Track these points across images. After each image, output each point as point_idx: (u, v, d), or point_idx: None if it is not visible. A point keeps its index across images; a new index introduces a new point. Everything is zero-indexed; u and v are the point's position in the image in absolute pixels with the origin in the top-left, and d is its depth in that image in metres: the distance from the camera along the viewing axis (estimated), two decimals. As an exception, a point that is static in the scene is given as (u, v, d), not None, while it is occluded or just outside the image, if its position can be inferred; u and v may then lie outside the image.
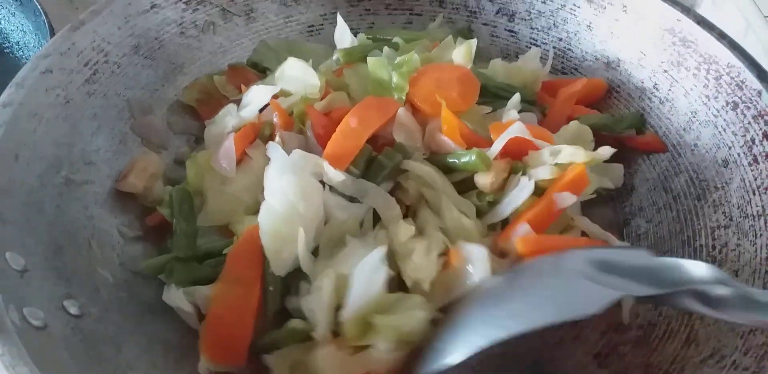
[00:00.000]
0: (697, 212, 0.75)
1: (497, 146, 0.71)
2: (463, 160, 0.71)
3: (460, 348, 0.55)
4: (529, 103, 0.83)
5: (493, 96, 0.81)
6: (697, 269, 0.52)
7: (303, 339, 0.63)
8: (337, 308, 0.62)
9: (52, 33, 0.94)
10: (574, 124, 0.79)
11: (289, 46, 0.93)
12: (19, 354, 0.50)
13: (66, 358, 0.55)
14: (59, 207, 0.69)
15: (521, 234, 0.66)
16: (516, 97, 0.78)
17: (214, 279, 0.67)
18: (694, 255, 0.72)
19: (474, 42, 0.83)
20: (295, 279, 0.66)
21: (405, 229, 0.65)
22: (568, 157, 0.69)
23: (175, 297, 0.67)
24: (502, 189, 0.71)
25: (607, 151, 0.72)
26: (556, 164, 0.70)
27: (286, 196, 0.64)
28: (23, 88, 0.70)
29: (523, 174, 0.71)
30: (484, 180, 0.70)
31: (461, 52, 0.81)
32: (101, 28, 0.80)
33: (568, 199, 0.68)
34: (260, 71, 0.93)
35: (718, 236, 0.71)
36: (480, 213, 0.71)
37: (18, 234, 0.62)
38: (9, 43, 1.06)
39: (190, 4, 0.88)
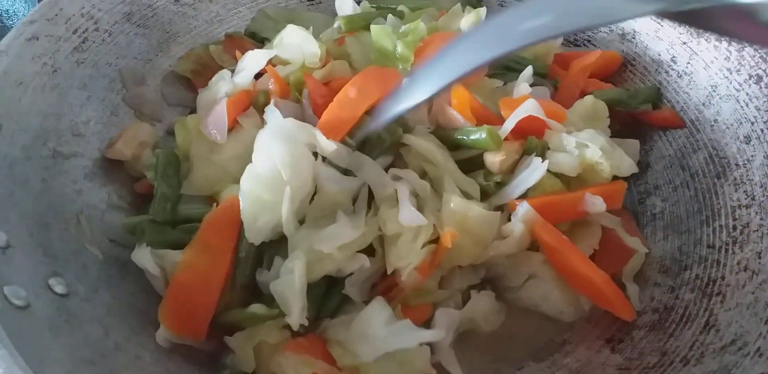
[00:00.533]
0: (717, 191, 0.71)
1: (509, 124, 0.67)
2: (473, 137, 0.67)
3: (430, 83, 0.46)
4: (540, 76, 0.78)
5: (503, 68, 0.77)
6: None
7: (266, 319, 0.61)
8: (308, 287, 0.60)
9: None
10: (588, 98, 0.75)
11: (289, 15, 0.89)
12: (-1, 336, 0.47)
13: (49, 340, 0.52)
14: (45, 181, 0.66)
15: (521, 214, 0.63)
16: (528, 70, 0.74)
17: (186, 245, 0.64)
18: (713, 236, 0.69)
19: (483, 10, 0.79)
20: (270, 250, 0.63)
21: (393, 222, 0.61)
22: (594, 156, 0.67)
23: (143, 256, 0.63)
24: (512, 171, 0.68)
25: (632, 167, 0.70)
26: (579, 157, 0.67)
27: (273, 162, 0.61)
28: (7, 56, 0.67)
29: (537, 155, 0.67)
30: (493, 158, 0.66)
31: (470, 21, 0.77)
32: (91, -7, 0.76)
33: (598, 206, 0.65)
34: (258, 41, 0.88)
35: (739, 216, 0.68)
36: (486, 194, 0.67)
37: (0, 209, 0.58)
38: (-2, 11, 1.01)
39: (185, -30, 0.84)
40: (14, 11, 1.00)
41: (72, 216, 0.66)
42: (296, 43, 0.75)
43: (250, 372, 0.61)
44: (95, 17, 0.76)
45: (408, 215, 0.61)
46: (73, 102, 0.72)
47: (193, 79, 0.84)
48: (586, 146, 0.67)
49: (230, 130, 0.71)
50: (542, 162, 0.65)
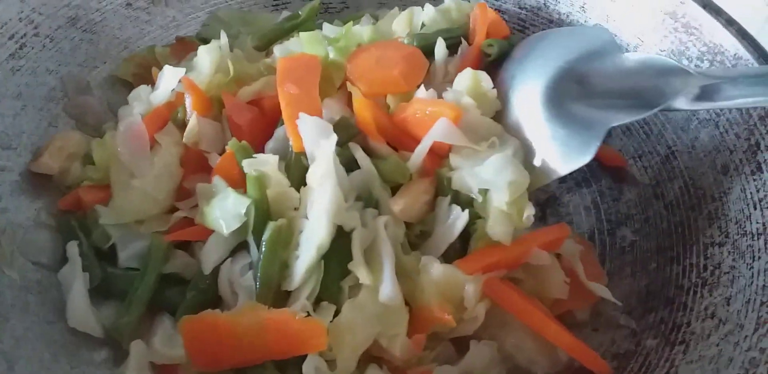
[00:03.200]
0: (690, 224, 0.66)
1: (417, 157, 0.62)
2: (383, 166, 0.62)
3: None
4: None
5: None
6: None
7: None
8: None
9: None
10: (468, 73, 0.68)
11: (243, 18, 0.85)
12: None
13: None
14: (-36, 200, 0.62)
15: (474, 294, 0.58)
16: (441, 45, 0.70)
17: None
18: (683, 275, 0.63)
19: (417, 10, 0.75)
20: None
21: None
22: (500, 206, 0.59)
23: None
24: (430, 211, 0.63)
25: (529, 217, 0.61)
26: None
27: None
28: (-70, 63, 0.63)
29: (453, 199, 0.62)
30: (396, 207, 0.61)
31: (401, 21, 0.73)
32: (31, -4, 0.72)
33: (543, 259, 0.60)
34: (210, 45, 0.84)
35: (710, 254, 0.62)
36: (413, 246, 0.62)
37: None
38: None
39: (138, -28, 0.80)
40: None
41: (-9, 238, 0.62)
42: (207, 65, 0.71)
43: None
44: (35, 22, 0.72)
45: (389, 291, 0.56)
46: (4, 112, 0.68)
47: (135, 84, 0.79)
48: (486, 193, 0.60)
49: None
50: (462, 211, 0.60)
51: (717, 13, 0.69)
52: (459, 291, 0.58)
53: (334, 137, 0.59)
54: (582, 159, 0.61)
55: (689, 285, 0.62)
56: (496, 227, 0.59)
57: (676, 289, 0.63)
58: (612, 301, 0.63)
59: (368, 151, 0.63)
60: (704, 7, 0.69)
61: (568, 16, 0.82)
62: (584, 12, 0.81)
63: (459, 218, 0.60)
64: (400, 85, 0.65)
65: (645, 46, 0.75)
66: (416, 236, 0.62)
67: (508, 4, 0.86)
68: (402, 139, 0.64)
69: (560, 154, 0.62)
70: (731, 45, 0.66)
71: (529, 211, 0.59)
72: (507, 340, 0.62)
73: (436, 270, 0.58)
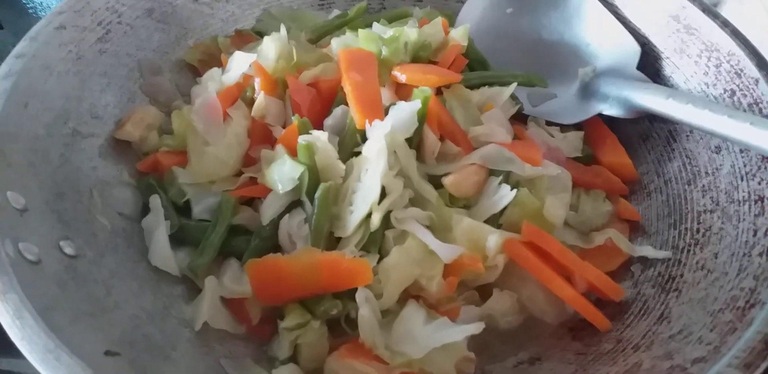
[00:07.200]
0: (686, 196, 0.76)
1: (467, 159, 0.73)
2: None
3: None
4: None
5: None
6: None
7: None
8: None
9: (72, -7, 0.96)
10: None
11: (293, 15, 0.95)
12: (11, 283, 0.53)
13: (56, 292, 0.57)
14: (64, 156, 0.72)
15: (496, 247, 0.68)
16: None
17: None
18: (678, 238, 0.73)
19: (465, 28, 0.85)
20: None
21: None
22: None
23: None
24: (478, 192, 0.72)
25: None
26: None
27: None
28: (36, 42, 0.73)
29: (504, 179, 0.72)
30: (447, 180, 0.71)
31: (459, 33, 0.83)
32: (117, -11, 0.83)
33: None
34: (264, 39, 0.95)
35: (703, 220, 0.72)
36: None
37: (21, 177, 0.64)
38: (33, 3, 1.09)
39: (205, -28, 0.91)
40: (48, 4, 1.07)
41: (86, 190, 0.72)
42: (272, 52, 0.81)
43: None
44: (119, 11, 0.83)
45: (447, 250, 0.66)
46: (93, 87, 0.79)
47: (200, 69, 0.90)
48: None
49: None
50: (511, 190, 0.70)
51: (714, 15, 0.79)
52: (483, 241, 0.68)
53: (389, 121, 0.69)
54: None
55: (684, 246, 0.72)
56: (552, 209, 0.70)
57: (673, 249, 0.72)
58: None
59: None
60: (703, 10, 0.79)
61: (583, 18, 0.92)
62: (597, 15, 0.91)
63: (505, 196, 0.69)
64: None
65: (651, 45, 0.85)
66: (461, 207, 0.72)
67: None
68: (454, 135, 0.74)
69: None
70: (726, 43, 0.76)
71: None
72: (523, 292, 0.72)
73: (465, 223, 0.68)
